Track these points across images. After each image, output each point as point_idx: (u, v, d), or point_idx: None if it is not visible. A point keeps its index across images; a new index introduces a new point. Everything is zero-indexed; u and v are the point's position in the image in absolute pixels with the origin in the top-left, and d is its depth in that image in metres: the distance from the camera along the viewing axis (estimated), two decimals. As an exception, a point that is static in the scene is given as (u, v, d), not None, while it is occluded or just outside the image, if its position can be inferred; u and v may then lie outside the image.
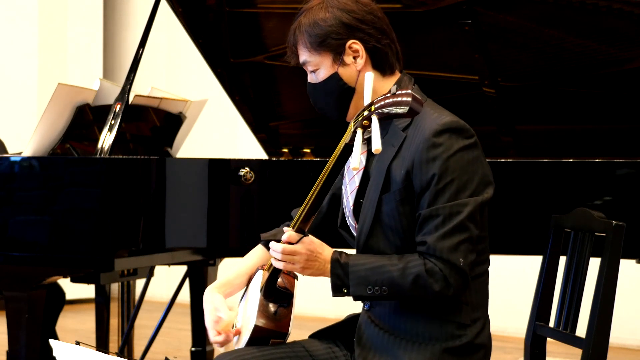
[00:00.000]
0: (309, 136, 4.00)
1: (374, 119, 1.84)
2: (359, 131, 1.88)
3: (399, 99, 1.82)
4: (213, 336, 2.16)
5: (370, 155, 2.10)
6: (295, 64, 2.18)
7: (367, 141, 2.05)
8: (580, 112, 3.48)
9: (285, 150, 3.99)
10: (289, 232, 2.01)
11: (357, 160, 1.84)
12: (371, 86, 1.91)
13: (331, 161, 1.95)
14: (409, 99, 1.81)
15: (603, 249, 2.30)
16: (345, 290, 2.01)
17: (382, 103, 1.84)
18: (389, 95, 1.84)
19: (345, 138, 1.91)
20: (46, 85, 6.74)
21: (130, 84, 3.27)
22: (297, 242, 2.00)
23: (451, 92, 3.48)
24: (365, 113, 1.87)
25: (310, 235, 2.02)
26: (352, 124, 1.91)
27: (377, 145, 1.81)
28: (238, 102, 3.88)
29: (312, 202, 1.98)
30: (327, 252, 2.03)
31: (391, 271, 1.98)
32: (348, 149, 1.92)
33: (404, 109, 1.81)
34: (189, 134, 3.93)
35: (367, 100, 1.89)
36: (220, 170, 3.08)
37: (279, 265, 2.03)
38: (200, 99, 3.96)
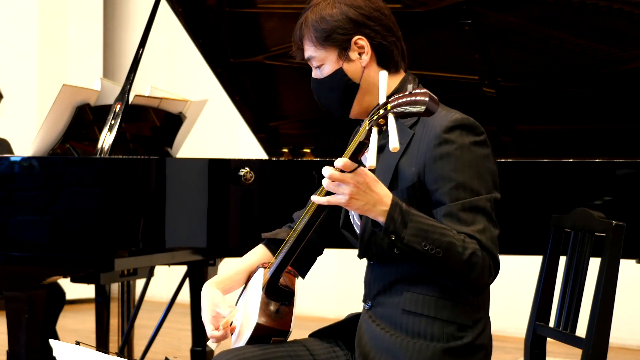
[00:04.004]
0: (309, 136, 4.00)
1: (391, 117, 1.80)
2: (375, 129, 1.83)
3: (416, 97, 1.77)
4: (210, 330, 2.12)
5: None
6: (300, 59, 2.17)
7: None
8: (580, 112, 3.48)
9: (285, 150, 3.99)
10: (344, 159, 1.87)
11: (373, 159, 1.79)
12: (386, 85, 1.87)
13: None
14: (426, 98, 1.76)
15: (603, 249, 2.29)
16: (393, 238, 1.91)
17: (399, 102, 1.79)
18: (405, 94, 1.79)
19: (360, 136, 1.86)
20: (46, 85, 6.75)
21: (130, 84, 3.27)
22: (351, 171, 1.88)
23: (451, 92, 3.48)
24: (381, 112, 1.82)
25: (365, 168, 1.89)
26: (366, 122, 1.86)
27: (394, 144, 1.76)
28: (238, 102, 3.88)
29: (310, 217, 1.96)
30: (380, 189, 1.91)
31: (454, 237, 1.92)
32: (361, 147, 1.87)
33: (420, 108, 1.77)
34: (189, 134, 3.94)
35: (382, 99, 1.85)
36: (220, 170, 3.08)
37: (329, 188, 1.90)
38: (200, 99, 3.96)
